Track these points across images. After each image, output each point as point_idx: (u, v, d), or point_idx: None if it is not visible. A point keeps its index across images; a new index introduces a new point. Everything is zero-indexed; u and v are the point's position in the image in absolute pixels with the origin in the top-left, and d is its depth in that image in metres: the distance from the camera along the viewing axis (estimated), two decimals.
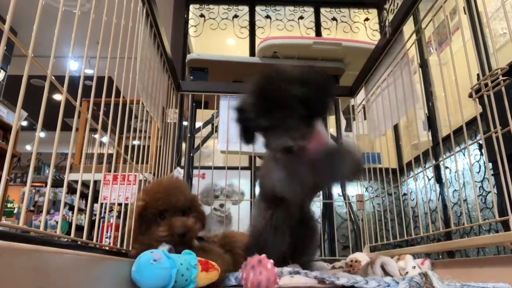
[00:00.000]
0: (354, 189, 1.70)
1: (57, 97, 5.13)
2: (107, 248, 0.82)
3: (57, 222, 4.08)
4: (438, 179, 2.28)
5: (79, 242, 0.67)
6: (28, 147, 7.69)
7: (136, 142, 1.12)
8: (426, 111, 2.45)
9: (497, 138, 0.80)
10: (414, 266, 0.94)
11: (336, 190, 2.29)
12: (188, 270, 0.71)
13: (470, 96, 0.89)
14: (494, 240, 0.75)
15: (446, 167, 2.19)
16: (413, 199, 2.43)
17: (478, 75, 0.92)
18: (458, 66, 0.95)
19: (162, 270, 0.69)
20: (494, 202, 0.83)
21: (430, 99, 2.49)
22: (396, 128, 2.86)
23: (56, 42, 0.62)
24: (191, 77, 1.85)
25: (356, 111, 1.70)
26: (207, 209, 1.92)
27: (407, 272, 0.93)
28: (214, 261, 0.80)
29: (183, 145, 1.99)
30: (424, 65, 2.58)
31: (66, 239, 0.68)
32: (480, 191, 1.86)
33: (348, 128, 3.09)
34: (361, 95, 1.68)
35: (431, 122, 2.43)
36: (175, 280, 0.69)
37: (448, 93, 1.17)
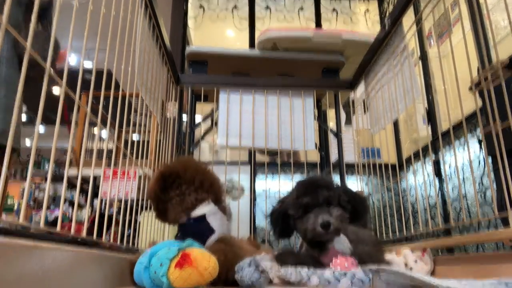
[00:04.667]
0: (353, 184, 1.69)
1: (55, 90, 5.10)
2: (107, 244, 0.82)
3: (57, 218, 4.08)
4: (438, 173, 2.28)
5: (79, 239, 0.67)
6: (27, 143, 7.66)
7: (135, 136, 1.12)
8: (426, 105, 2.44)
9: (497, 132, 0.79)
10: (416, 260, 0.94)
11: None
12: (162, 266, 0.58)
13: (470, 89, 0.89)
14: (493, 237, 0.75)
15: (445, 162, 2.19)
16: (413, 195, 2.43)
17: (478, 68, 0.91)
18: (458, 58, 0.94)
19: (138, 265, 0.65)
20: (493, 198, 0.83)
21: (430, 92, 2.48)
22: (395, 122, 2.85)
23: (55, 34, 0.61)
24: (191, 70, 1.83)
25: (356, 104, 1.69)
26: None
27: (411, 268, 0.93)
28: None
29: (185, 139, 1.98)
30: (424, 57, 2.57)
31: (66, 235, 0.68)
32: (479, 187, 1.86)
33: (348, 121, 3.08)
34: (361, 88, 1.67)
35: (431, 116, 2.42)
36: (153, 278, 0.61)
37: (448, 86, 1.16)
